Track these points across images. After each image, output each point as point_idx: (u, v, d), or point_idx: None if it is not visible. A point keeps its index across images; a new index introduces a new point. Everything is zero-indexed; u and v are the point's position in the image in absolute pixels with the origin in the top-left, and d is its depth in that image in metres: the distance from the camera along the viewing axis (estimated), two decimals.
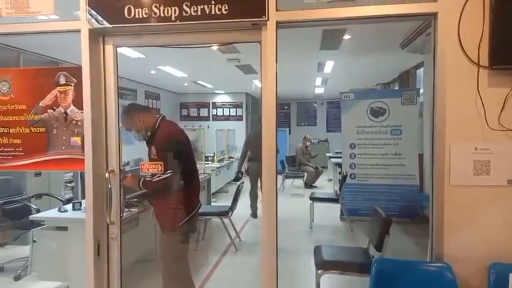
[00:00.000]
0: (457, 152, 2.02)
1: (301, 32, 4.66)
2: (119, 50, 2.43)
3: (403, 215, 5.81)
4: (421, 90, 6.18)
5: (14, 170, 2.47)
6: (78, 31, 2.29)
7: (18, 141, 2.39)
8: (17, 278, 3.77)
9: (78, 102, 2.34)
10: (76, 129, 2.36)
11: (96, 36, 2.33)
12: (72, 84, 2.36)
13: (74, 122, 2.36)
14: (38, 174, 4.87)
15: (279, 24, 2.09)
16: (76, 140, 2.36)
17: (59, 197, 3.95)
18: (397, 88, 8.60)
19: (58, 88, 2.37)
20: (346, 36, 5.12)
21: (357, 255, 3.28)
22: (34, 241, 3.32)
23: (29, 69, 2.46)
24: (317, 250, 3.29)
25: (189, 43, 2.51)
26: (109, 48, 2.36)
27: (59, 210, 3.42)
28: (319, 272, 3.05)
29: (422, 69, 6.64)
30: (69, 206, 3.48)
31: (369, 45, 5.61)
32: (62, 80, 2.37)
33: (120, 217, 2.39)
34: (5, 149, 2.39)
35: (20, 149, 2.39)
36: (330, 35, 4.98)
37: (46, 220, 3.34)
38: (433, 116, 2.12)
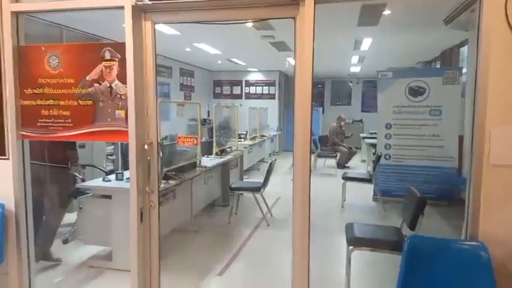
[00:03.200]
0: (498, 132, 1.96)
1: (339, 7, 4.54)
2: (156, 28, 2.50)
3: (439, 197, 5.69)
4: (464, 70, 5.91)
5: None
6: (122, 8, 2.37)
7: (67, 113, 2.54)
8: (65, 242, 4.07)
9: (122, 77, 2.44)
10: (120, 103, 2.47)
11: (138, 13, 2.40)
12: (117, 59, 2.46)
13: (118, 95, 2.47)
14: (81, 146, 5.15)
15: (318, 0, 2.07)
16: (120, 112, 2.47)
17: (102, 168, 4.18)
18: (438, 67, 8.24)
19: (104, 63, 2.47)
20: (386, 12, 4.94)
21: (389, 233, 3.28)
22: (80, 208, 3.56)
23: (76, 45, 2.58)
24: (349, 227, 3.32)
25: (225, 19, 2.53)
26: (148, 24, 2.43)
27: (103, 180, 3.63)
28: (350, 248, 3.09)
29: (466, 47, 6.32)
30: (112, 176, 3.69)
31: (410, 22, 5.39)
32: (107, 55, 2.47)
33: (158, 186, 2.51)
34: (56, 120, 2.55)
35: (69, 121, 2.54)
36: (369, 11, 4.83)
37: (92, 189, 3.56)
38: (474, 96, 2.04)
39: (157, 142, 2.53)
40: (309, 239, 2.26)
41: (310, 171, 2.27)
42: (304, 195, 2.24)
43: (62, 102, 2.55)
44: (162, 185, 3.65)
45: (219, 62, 9.87)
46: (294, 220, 2.28)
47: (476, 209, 2.00)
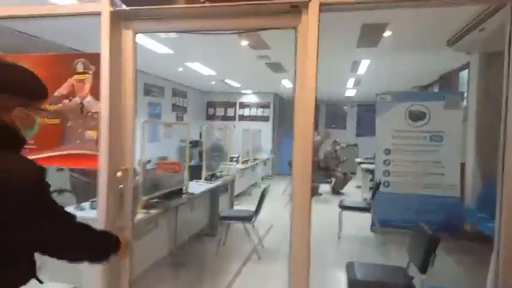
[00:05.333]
0: None
1: (339, 26, 4.34)
2: (147, 45, 2.20)
3: (442, 229, 5.35)
4: (465, 94, 5.72)
5: None
6: (99, 14, 2.08)
7: None
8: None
9: (95, 93, 2.13)
10: (92, 122, 2.15)
11: (117, 21, 2.12)
12: (90, 72, 2.15)
13: (90, 114, 2.15)
14: (60, 170, 4.76)
15: (323, 7, 1.80)
16: (91, 134, 2.15)
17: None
18: (437, 91, 8.09)
19: (75, 76, 2.17)
20: (387, 33, 4.74)
21: (394, 275, 2.93)
22: None
23: (45, 56, 2.27)
24: (349, 267, 2.97)
25: (216, 29, 2.25)
26: (129, 34, 2.14)
27: (76, 209, 3.25)
28: None
29: (466, 71, 6.15)
30: (86, 204, 3.31)
31: (411, 43, 5.21)
32: (80, 68, 2.17)
33: (132, 220, 2.15)
34: None
35: (32, 142, 2.20)
36: (370, 31, 4.63)
37: None
38: (504, 127, 1.73)
39: (133, 168, 2.19)
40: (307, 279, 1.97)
41: (310, 204, 1.97)
42: (304, 227, 1.96)
43: None
44: (142, 215, 3.28)
45: (213, 82, 9.64)
46: (292, 254, 1.98)
47: (509, 260, 1.68)
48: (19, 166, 1.15)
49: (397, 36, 4.83)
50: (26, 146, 2.20)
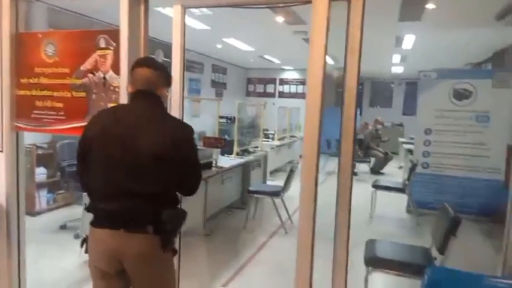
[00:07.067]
0: None
1: None
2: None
3: (482, 212, 5.10)
4: None
5: (66, 134, 2.50)
6: None
7: (60, 104, 2.39)
8: (76, 237, 4.01)
9: (116, 68, 2.24)
10: (114, 96, 2.28)
11: None
12: (112, 48, 2.26)
13: (111, 88, 2.28)
14: None
15: None
16: None
17: None
18: (489, 68, 7.49)
19: (98, 52, 2.29)
20: (430, 5, 4.45)
21: (415, 254, 2.87)
22: (85, 204, 3.43)
23: (72, 32, 2.41)
24: (369, 244, 2.94)
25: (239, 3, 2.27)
26: (177, 8, 2.20)
27: None
28: (369, 269, 2.72)
29: None
30: None
31: (457, 17, 4.86)
32: (102, 44, 2.28)
33: None
34: (49, 112, 2.41)
35: (62, 113, 2.38)
36: (411, 3, 4.36)
37: None
38: None
39: None
40: (312, 250, 2.06)
41: (317, 179, 1.99)
42: (310, 202, 2.00)
43: (56, 93, 2.40)
44: None
45: (252, 60, 9.64)
46: (299, 228, 2.08)
47: None
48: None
49: (441, 9, 4.52)
50: (56, 117, 2.40)
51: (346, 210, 2.07)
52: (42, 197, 4.84)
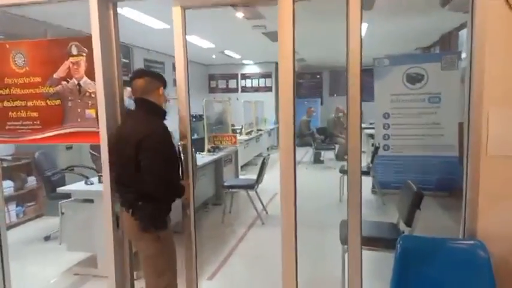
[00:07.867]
0: (497, 118, 1.78)
1: None
2: (142, 20, 2.34)
3: (440, 188, 5.52)
4: (463, 55, 5.69)
5: (43, 144, 2.48)
6: None
7: (35, 114, 2.38)
8: (46, 239, 3.97)
9: (90, 73, 2.27)
10: (90, 102, 2.31)
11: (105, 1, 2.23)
12: (84, 54, 2.29)
13: (87, 94, 2.31)
14: (69, 148, 5.00)
15: None
16: (90, 112, 2.31)
17: (81, 174, 3.93)
18: (437, 52, 8.01)
19: (70, 59, 2.31)
20: None
21: (385, 230, 3.13)
22: (62, 213, 3.41)
23: (42, 41, 2.40)
24: (343, 224, 3.16)
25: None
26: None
27: (86, 183, 3.47)
28: (345, 247, 2.93)
29: (465, 30, 6.10)
30: (95, 179, 3.53)
31: (406, 4, 5.17)
32: (74, 51, 2.30)
33: None
34: (24, 122, 2.40)
35: (38, 122, 2.38)
36: None
37: (72, 193, 3.39)
38: (470, 77, 1.87)
39: None
40: (295, 235, 2.18)
41: (295, 166, 2.14)
42: (290, 192, 2.15)
43: (29, 103, 2.40)
44: None
45: (213, 56, 9.66)
46: (281, 216, 2.18)
47: (474, 203, 1.84)
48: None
49: None
50: (32, 127, 2.39)
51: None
52: (12, 211, 4.68)
